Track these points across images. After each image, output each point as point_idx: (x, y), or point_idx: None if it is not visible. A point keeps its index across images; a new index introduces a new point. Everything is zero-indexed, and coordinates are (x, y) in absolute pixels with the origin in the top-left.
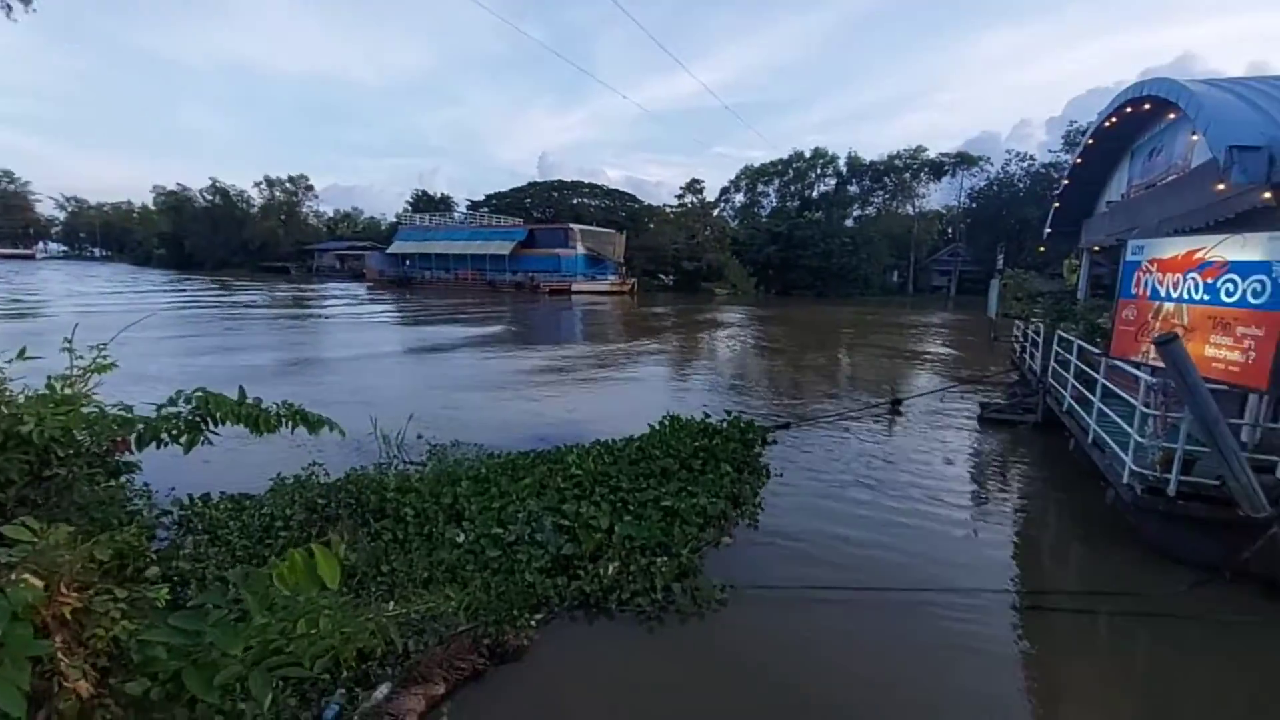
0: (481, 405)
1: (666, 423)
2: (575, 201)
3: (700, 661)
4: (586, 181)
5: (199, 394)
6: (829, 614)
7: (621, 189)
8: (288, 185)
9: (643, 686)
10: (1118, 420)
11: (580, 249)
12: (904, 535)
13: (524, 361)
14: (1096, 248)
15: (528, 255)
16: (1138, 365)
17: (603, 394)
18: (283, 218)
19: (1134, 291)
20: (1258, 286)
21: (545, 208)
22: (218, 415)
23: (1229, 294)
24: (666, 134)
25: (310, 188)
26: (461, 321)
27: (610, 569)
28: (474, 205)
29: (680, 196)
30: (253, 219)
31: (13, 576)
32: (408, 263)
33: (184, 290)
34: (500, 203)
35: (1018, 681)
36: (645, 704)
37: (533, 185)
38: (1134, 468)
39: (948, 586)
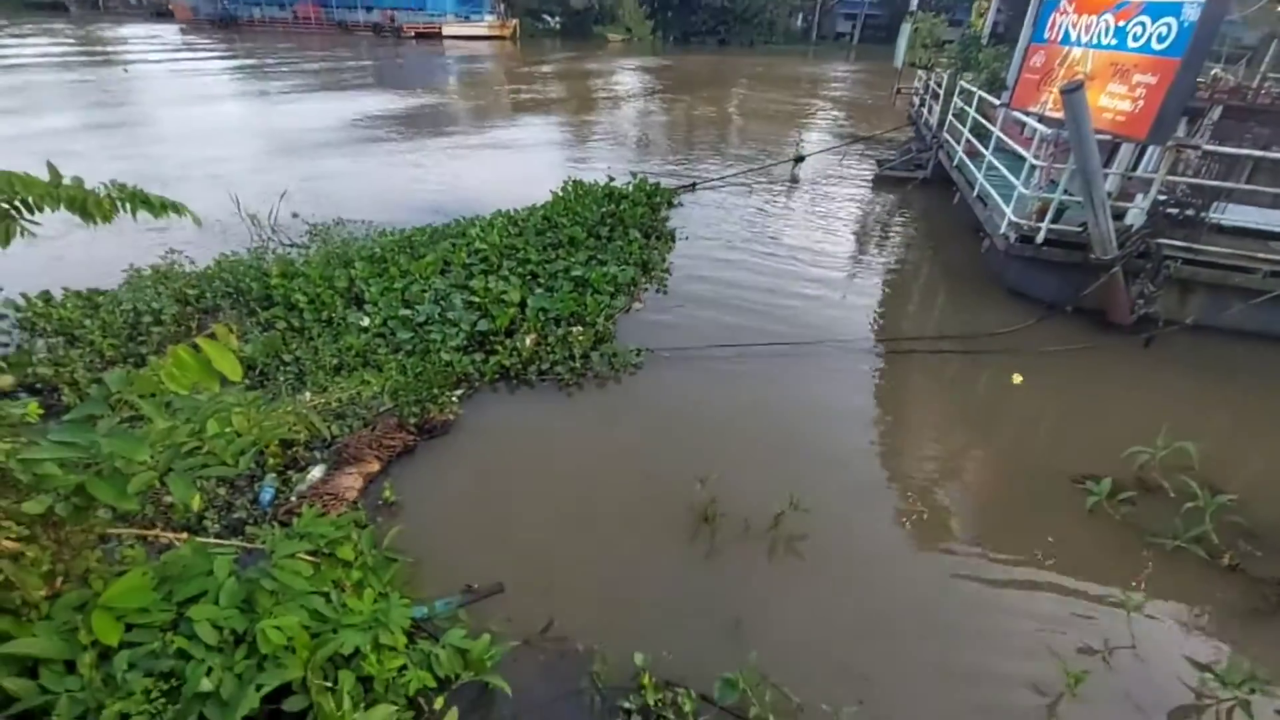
0: (358, 175)
1: (570, 189)
2: None
3: (620, 417)
4: None
5: None
6: (733, 367)
7: None
8: None
9: (569, 442)
10: (1005, 173)
11: None
12: (796, 292)
13: (404, 127)
14: None
15: None
16: (1035, 116)
17: (498, 161)
18: None
19: (1047, 36)
20: (1164, 30)
21: None
22: (29, 200)
23: (1136, 39)
24: None
25: None
26: (315, 76)
27: (528, 341)
28: None
29: None
30: None
31: None
32: None
33: None
34: None
35: (881, 408)
36: (573, 456)
37: None
38: (1013, 218)
39: (833, 337)
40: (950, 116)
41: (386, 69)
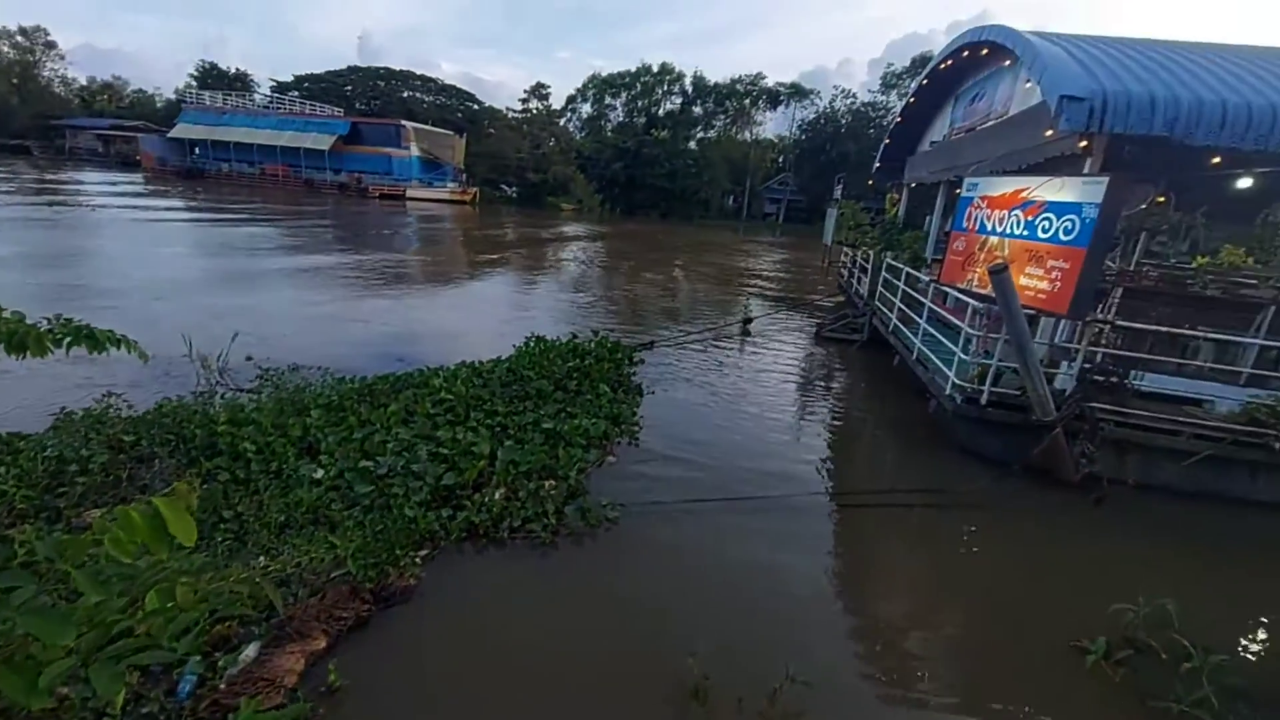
0: (315, 320)
1: (533, 344)
2: (406, 95)
3: (598, 578)
4: (419, 73)
5: None
6: (708, 523)
7: (459, 85)
8: (19, 39)
9: (544, 608)
10: (941, 339)
11: (415, 150)
12: (762, 445)
13: (362, 274)
14: (914, 184)
15: (353, 153)
16: (963, 291)
17: (457, 313)
18: (15, 81)
19: (965, 225)
20: (1069, 225)
21: (370, 99)
22: None
23: (1044, 231)
24: (508, 29)
25: (53, 44)
26: (276, 225)
27: (497, 496)
28: (281, 88)
29: (525, 101)
30: None
31: None
32: (197, 151)
33: None
34: (314, 87)
35: (843, 562)
36: (548, 625)
37: (354, 70)
38: (956, 381)
39: (803, 491)
40: (880, 288)
41: (350, 223)
